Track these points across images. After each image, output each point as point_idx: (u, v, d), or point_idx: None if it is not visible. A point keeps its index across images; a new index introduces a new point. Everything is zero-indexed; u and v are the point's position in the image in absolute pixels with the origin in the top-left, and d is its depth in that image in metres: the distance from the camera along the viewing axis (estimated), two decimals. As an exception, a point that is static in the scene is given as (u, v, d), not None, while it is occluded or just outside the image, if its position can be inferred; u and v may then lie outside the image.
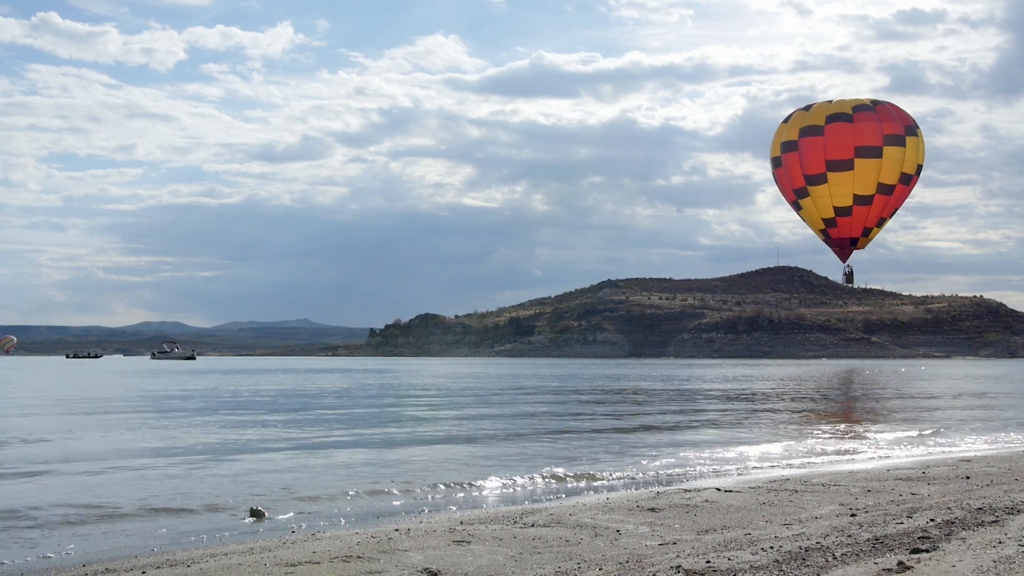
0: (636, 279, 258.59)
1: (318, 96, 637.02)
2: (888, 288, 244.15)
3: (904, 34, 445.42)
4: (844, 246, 44.43)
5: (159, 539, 9.20)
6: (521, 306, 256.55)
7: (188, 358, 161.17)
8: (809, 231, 46.91)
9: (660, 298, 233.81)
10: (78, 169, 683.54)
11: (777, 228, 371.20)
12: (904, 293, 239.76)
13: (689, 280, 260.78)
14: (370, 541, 8.40)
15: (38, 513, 10.40)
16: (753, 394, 39.53)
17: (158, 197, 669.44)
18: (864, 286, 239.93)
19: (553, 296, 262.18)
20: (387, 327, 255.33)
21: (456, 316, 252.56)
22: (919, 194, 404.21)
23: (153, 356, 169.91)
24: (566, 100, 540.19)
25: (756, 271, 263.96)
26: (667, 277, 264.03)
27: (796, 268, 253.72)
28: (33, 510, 10.55)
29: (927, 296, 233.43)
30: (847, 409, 30.48)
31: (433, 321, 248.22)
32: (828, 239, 44.64)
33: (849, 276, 45.45)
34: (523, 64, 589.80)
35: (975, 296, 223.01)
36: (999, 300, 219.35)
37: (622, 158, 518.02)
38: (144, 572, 7.45)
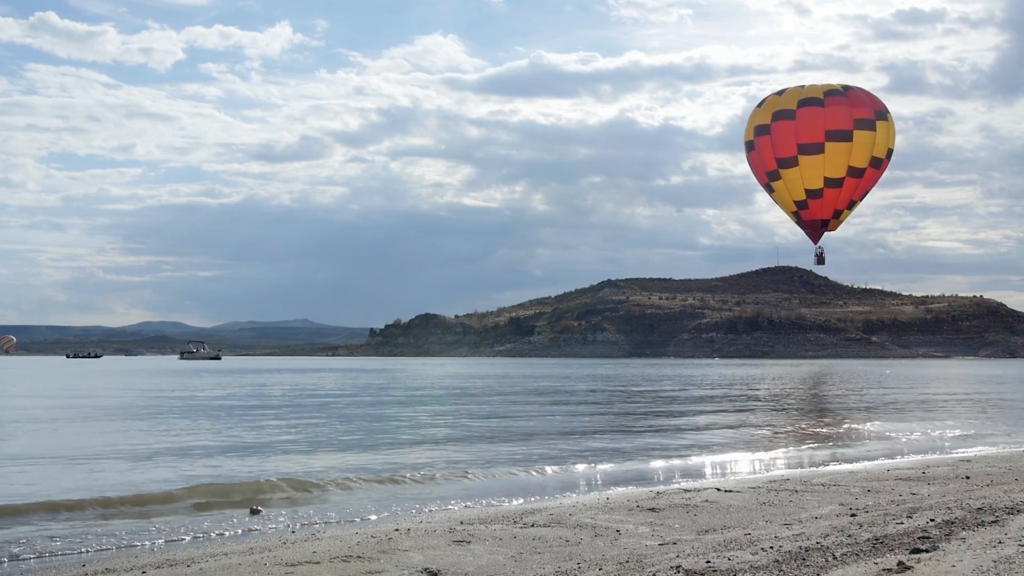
0: (636, 279, 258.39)
1: (317, 96, 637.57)
2: (888, 288, 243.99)
3: (903, 34, 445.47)
4: (815, 228, 45.13)
5: (159, 537, 9.20)
6: (521, 306, 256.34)
7: (213, 358, 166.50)
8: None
9: (660, 298, 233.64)
10: (78, 169, 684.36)
11: (777, 228, 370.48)
12: (904, 293, 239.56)
13: (689, 280, 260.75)
14: (370, 541, 8.40)
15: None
16: (753, 394, 39.55)
17: (158, 197, 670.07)
18: (864, 286, 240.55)
19: (553, 296, 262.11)
20: (387, 327, 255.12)
21: (456, 316, 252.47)
22: (919, 194, 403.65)
23: (181, 356, 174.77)
24: (565, 100, 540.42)
25: (756, 271, 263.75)
26: (667, 277, 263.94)
27: (796, 268, 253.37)
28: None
29: (927, 296, 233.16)
30: (845, 409, 30.47)
31: (433, 321, 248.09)
32: (800, 221, 45.29)
33: (820, 257, 46.11)
34: (522, 64, 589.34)
35: (975, 296, 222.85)
36: (999, 300, 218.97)
37: (622, 158, 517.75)
38: (144, 572, 7.45)
